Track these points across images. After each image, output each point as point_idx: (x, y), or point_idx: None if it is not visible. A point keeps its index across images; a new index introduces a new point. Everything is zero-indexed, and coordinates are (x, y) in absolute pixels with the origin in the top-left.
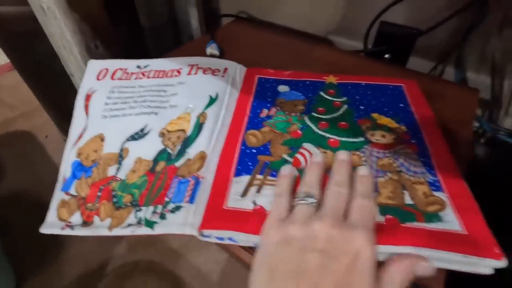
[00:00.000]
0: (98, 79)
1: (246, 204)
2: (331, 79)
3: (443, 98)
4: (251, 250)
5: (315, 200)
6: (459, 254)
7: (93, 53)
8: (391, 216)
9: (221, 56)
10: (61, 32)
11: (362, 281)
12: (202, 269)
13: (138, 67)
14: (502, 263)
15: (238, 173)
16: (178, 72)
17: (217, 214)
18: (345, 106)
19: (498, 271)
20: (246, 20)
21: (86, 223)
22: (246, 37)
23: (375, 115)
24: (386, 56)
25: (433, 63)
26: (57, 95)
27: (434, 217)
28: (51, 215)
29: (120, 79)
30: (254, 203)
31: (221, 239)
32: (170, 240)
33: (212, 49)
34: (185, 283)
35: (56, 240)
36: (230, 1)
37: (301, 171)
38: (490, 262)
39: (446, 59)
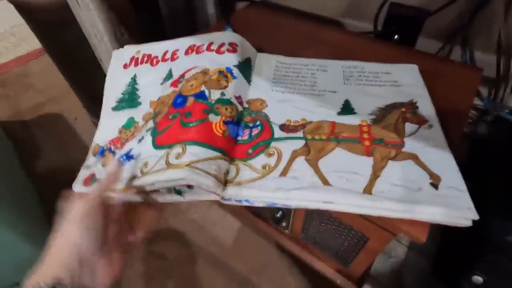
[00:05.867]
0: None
1: None
2: None
3: (446, 77)
4: (261, 217)
5: None
6: None
7: (119, 40)
8: None
9: None
10: (93, 21)
11: None
12: (219, 237)
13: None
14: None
15: None
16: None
17: None
18: None
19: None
20: (260, 4)
21: None
22: (260, 21)
23: None
24: (395, 37)
25: (441, 43)
26: (86, 79)
27: None
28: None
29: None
30: None
31: (240, 201)
32: (191, 212)
33: None
34: (203, 249)
35: None
36: None
37: None
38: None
39: (453, 40)
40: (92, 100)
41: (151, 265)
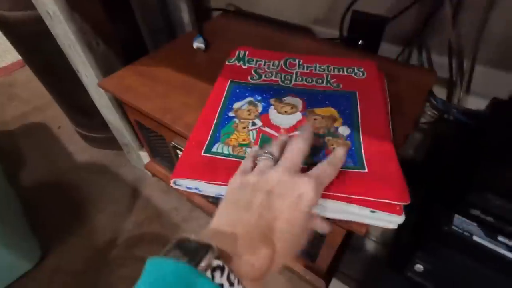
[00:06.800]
0: None
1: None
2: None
3: (401, 80)
4: None
5: (273, 157)
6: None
7: (94, 50)
8: None
9: (207, 48)
10: (65, 33)
11: (300, 217)
12: None
13: None
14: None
15: None
16: None
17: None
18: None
19: None
20: (233, 13)
21: None
22: (232, 29)
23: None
24: (360, 42)
25: (401, 47)
26: (67, 89)
27: None
28: None
29: None
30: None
31: (190, 188)
32: (173, 216)
33: (198, 43)
34: None
35: (74, 217)
36: None
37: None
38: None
39: (411, 44)
40: (74, 109)
41: (133, 269)
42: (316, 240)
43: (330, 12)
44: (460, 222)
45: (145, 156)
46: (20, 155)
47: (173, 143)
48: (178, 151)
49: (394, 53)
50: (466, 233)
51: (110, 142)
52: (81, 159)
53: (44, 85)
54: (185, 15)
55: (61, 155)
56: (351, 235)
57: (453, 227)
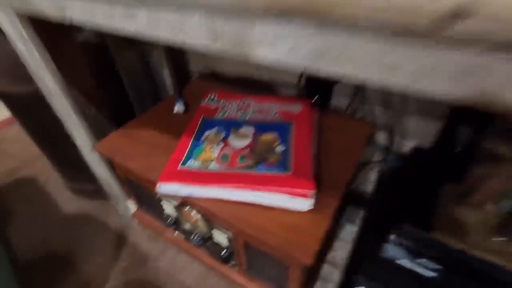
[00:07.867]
0: None
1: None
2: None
3: (344, 129)
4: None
5: None
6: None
7: (87, 116)
8: None
9: (187, 111)
10: (63, 106)
11: None
12: (186, 282)
13: None
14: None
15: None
16: None
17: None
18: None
19: None
20: (209, 75)
21: None
22: (208, 90)
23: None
24: (316, 98)
25: (348, 100)
26: (58, 147)
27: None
28: None
29: None
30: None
31: (170, 191)
32: (159, 260)
33: (178, 107)
34: None
35: (63, 271)
36: (197, 59)
37: None
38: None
39: (355, 99)
40: (64, 164)
41: None
42: (282, 273)
43: (290, 76)
44: (389, 249)
45: (132, 205)
46: (8, 212)
47: (158, 196)
48: (162, 204)
49: (343, 104)
50: (393, 257)
51: (98, 193)
52: (69, 211)
53: (34, 142)
54: (168, 79)
55: (49, 208)
56: (317, 268)
57: (384, 253)
